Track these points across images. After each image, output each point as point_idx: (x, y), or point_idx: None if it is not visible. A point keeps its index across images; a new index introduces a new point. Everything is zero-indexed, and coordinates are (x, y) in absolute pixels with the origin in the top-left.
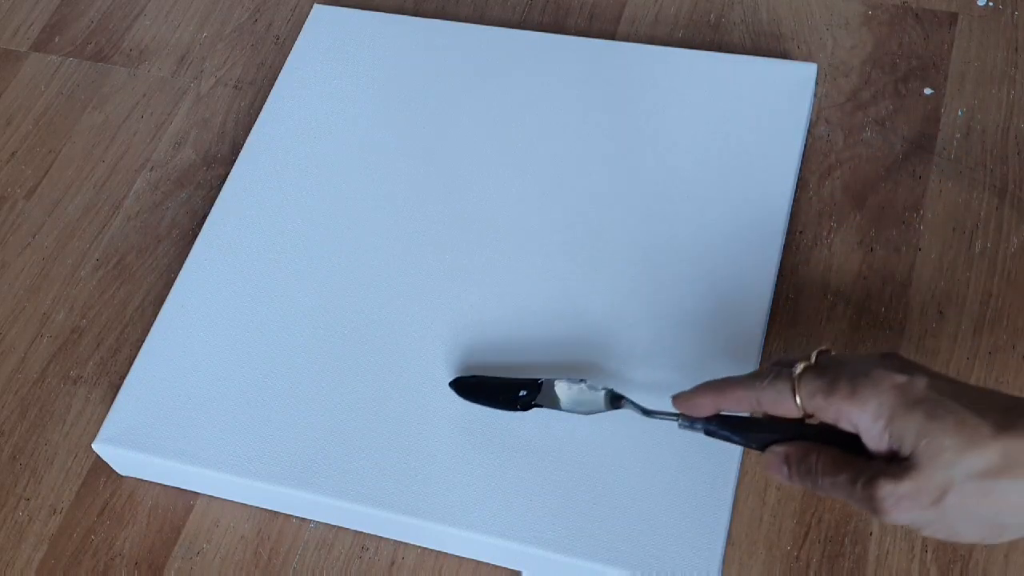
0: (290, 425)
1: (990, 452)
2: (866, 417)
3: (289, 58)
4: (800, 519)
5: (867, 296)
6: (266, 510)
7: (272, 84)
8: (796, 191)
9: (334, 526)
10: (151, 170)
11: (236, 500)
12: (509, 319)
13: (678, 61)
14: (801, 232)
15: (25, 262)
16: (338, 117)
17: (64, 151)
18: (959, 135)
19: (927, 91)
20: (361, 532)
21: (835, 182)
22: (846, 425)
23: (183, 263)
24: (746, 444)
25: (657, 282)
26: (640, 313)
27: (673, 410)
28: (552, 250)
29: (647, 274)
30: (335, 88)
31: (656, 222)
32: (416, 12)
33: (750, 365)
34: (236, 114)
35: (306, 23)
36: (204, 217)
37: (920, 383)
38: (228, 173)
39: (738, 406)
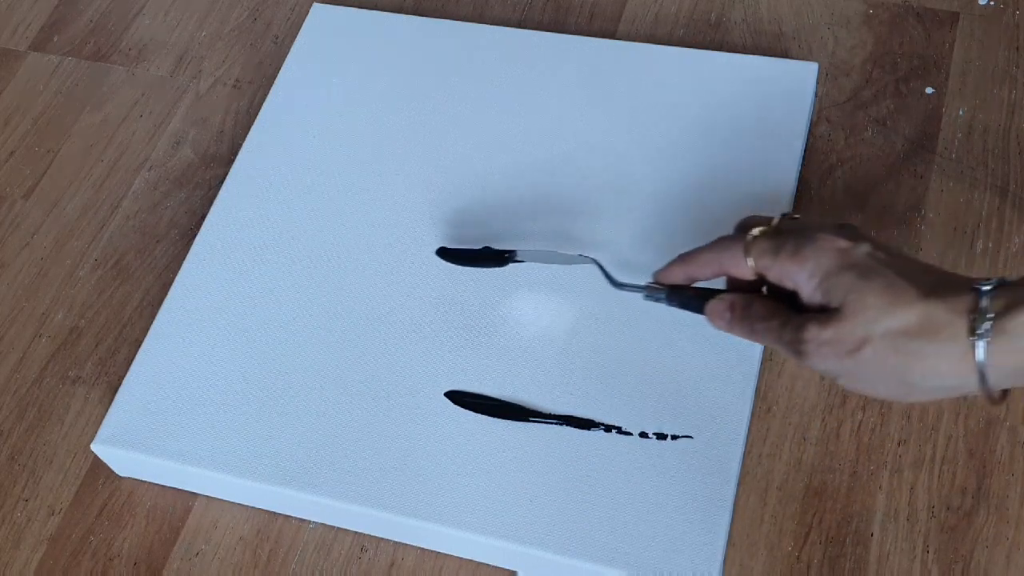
0: (289, 426)
1: (911, 314)
2: (804, 275)
3: (288, 57)
4: (801, 520)
5: None
6: (265, 511)
7: (271, 83)
8: (797, 191)
9: (333, 527)
10: (150, 170)
11: (235, 501)
12: (508, 320)
13: (678, 60)
14: None
15: (24, 262)
16: (337, 116)
17: (63, 151)
18: (960, 135)
19: (928, 90)
20: (360, 533)
21: (836, 182)
22: (788, 283)
23: (182, 263)
24: (702, 310)
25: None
26: (640, 313)
27: (639, 283)
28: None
29: (647, 274)
30: (334, 87)
31: (656, 222)
32: (416, 11)
33: (752, 365)
34: (235, 114)
35: (305, 22)
36: (203, 217)
37: (861, 249)
38: (227, 173)
39: (705, 270)
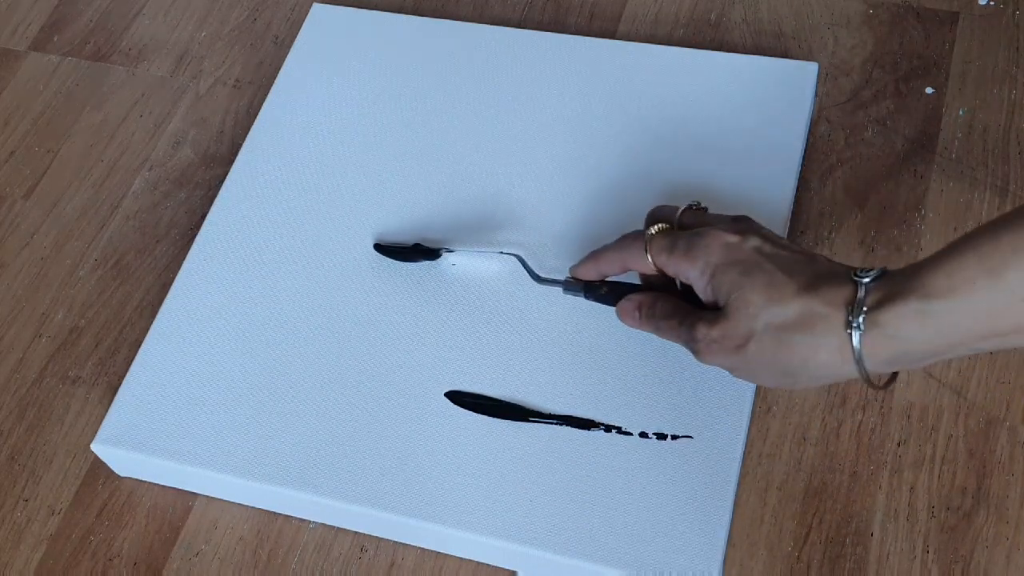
0: (289, 426)
1: (789, 308)
2: (695, 272)
3: (288, 57)
4: (801, 520)
5: None
6: (265, 511)
7: (271, 83)
8: (797, 191)
9: (333, 527)
10: (150, 170)
11: (235, 501)
12: (507, 317)
13: (679, 60)
14: (803, 232)
15: (24, 262)
16: (337, 116)
17: (63, 151)
18: (960, 135)
19: (928, 90)
20: (360, 533)
21: (836, 182)
22: (683, 278)
23: (182, 263)
24: (616, 303)
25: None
26: None
27: (559, 278)
28: (552, 250)
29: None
30: (334, 87)
31: None
32: (416, 11)
33: None
34: (235, 114)
35: (305, 22)
36: (203, 217)
37: (748, 244)
38: (227, 173)
39: (613, 267)
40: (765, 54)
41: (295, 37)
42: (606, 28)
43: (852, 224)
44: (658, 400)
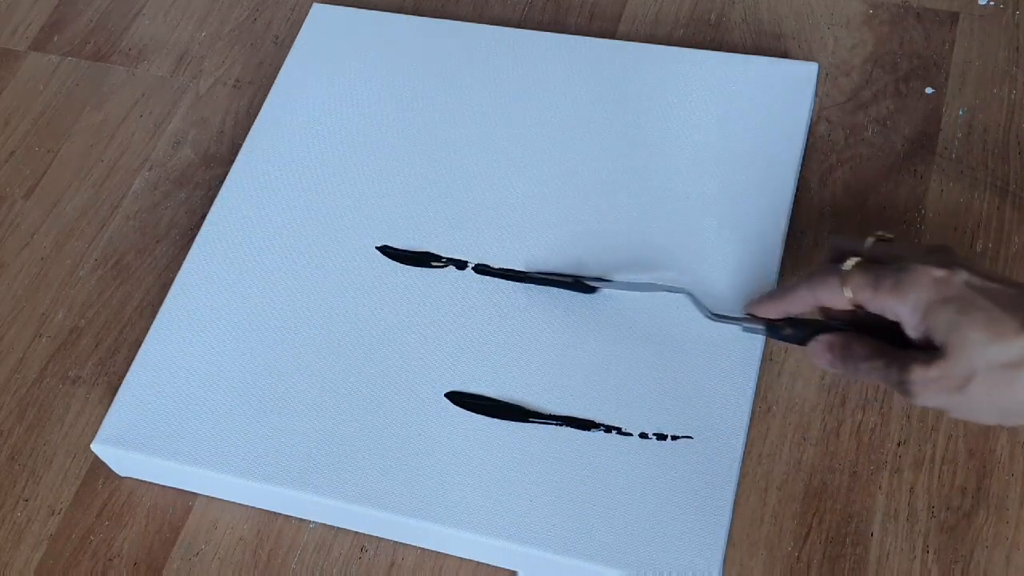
0: (289, 426)
1: (1014, 347)
2: (906, 309)
3: (288, 57)
4: (801, 520)
5: None
6: (265, 511)
7: (271, 83)
8: (797, 191)
9: (333, 527)
10: (150, 170)
11: (235, 501)
12: (509, 316)
13: (678, 60)
14: (803, 233)
15: (24, 262)
16: (337, 116)
17: (63, 151)
18: (960, 135)
19: (928, 90)
20: (360, 533)
21: (836, 182)
22: (890, 315)
23: (182, 263)
24: (803, 342)
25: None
26: (639, 314)
27: (736, 315)
28: (552, 249)
29: (647, 274)
30: (334, 87)
31: (656, 222)
32: (416, 11)
33: (752, 365)
34: (235, 114)
35: (305, 22)
36: (203, 217)
37: (958, 279)
38: (227, 173)
39: (801, 305)
40: (765, 54)
41: (295, 37)
42: (606, 28)
43: (852, 224)
44: (658, 400)
